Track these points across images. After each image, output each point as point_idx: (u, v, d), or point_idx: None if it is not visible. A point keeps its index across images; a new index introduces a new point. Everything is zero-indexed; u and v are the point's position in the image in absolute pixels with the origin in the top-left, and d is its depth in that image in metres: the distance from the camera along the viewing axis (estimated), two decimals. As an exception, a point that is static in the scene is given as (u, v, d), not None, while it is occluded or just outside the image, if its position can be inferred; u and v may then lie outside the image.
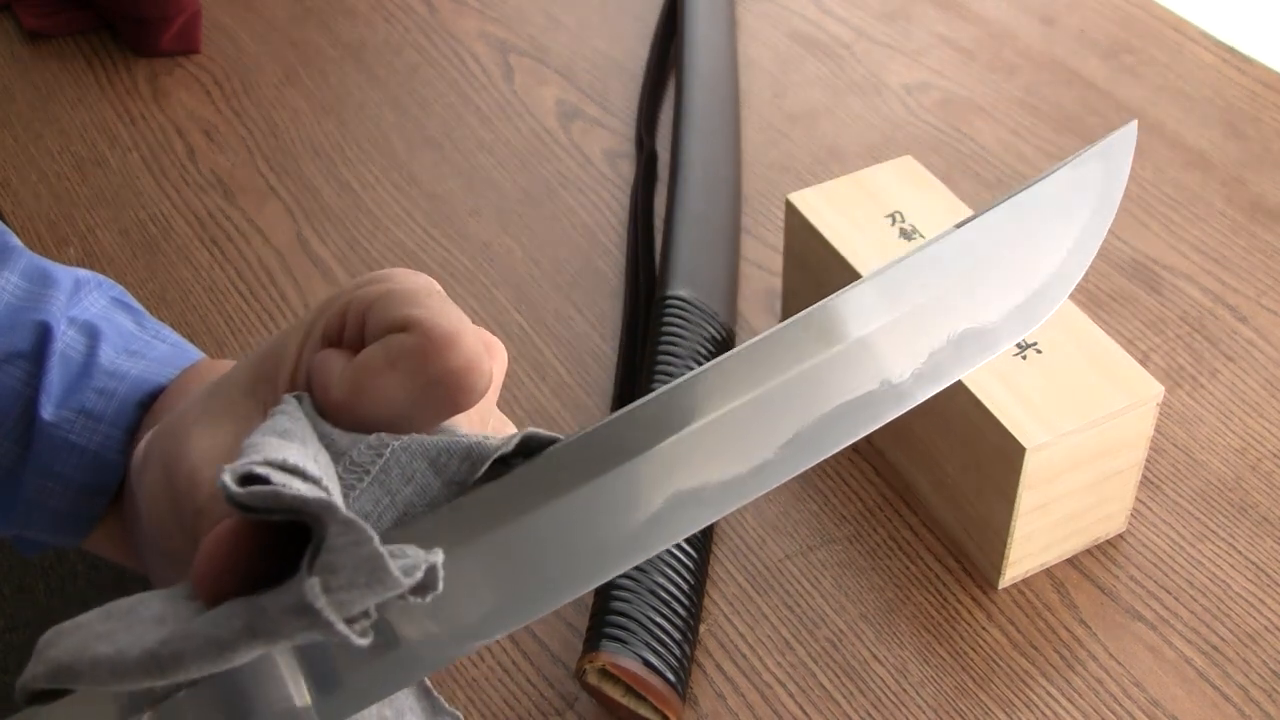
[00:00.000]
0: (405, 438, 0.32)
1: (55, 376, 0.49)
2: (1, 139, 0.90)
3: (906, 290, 0.33)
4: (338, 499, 0.30)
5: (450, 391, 0.33)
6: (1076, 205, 0.36)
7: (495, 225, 0.82)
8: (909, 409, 0.33)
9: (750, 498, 0.31)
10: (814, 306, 0.33)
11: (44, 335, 0.50)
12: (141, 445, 0.39)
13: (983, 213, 0.35)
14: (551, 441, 0.32)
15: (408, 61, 0.96)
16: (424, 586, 0.29)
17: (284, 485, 0.28)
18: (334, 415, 0.33)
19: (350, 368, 0.33)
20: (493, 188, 0.85)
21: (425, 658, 0.30)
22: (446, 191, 0.85)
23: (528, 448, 0.32)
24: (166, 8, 0.94)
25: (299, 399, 0.33)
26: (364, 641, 0.28)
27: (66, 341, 0.50)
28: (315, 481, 0.30)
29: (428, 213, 0.83)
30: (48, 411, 0.49)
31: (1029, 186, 0.35)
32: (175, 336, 0.53)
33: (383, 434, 0.33)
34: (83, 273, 0.54)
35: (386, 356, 0.33)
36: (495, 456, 0.32)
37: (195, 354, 0.52)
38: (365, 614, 0.29)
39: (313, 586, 0.27)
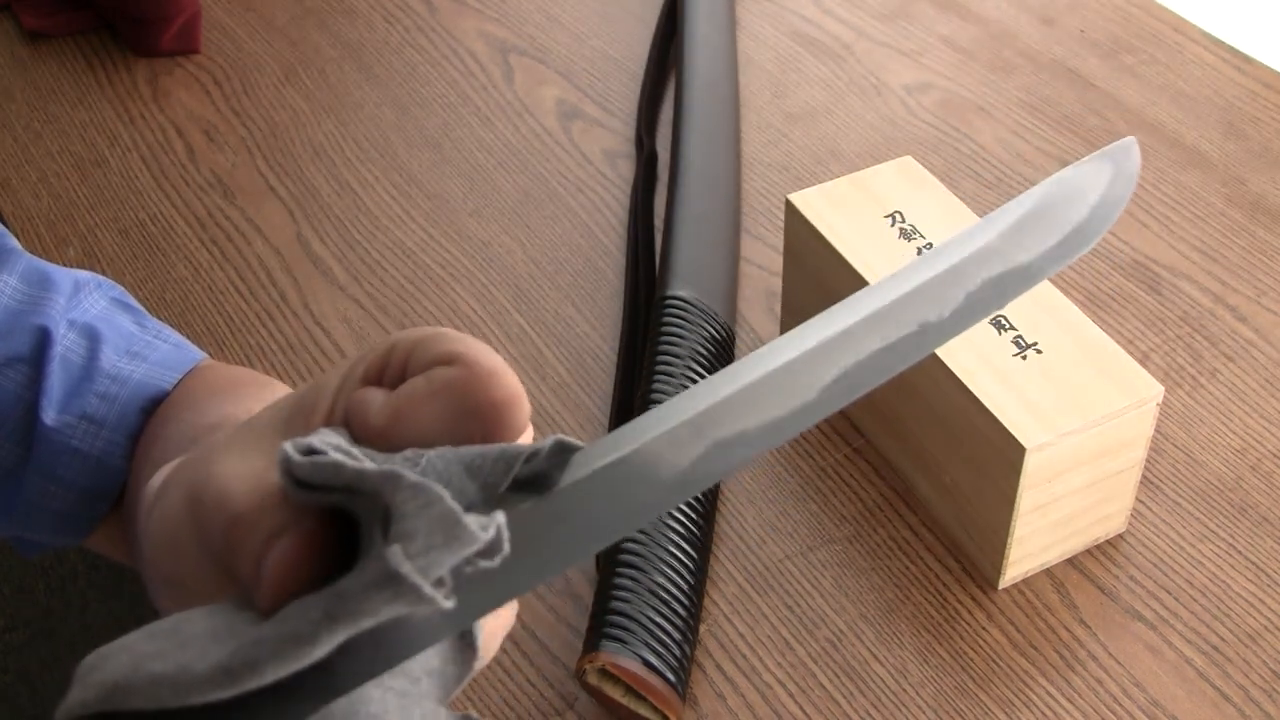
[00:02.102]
0: (439, 448, 0.33)
1: (56, 381, 0.49)
2: (1, 139, 0.90)
3: (941, 256, 0.35)
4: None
5: (489, 424, 0.33)
6: (1095, 179, 0.38)
7: (495, 225, 0.82)
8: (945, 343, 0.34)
9: (789, 438, 0.32)
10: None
11: (43, 339, 0.50)
12: (159, 477, 0.38)
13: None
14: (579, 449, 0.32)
15: (407, 61, 0.96)
16: (492, 547, 0.29)
17: (344, 459, 0.28)
18: (371, 443, 0.34)
19: (392, 396, 0.34)
20: (493, 188, 0.85)
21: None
22: (446, 191, 0.85)
23: (559, 451, 0.32)
24: (166, 8, 0.94)
25: (335, 429, 0.34)
26: (449, 604, 0.28)
27: (67, 345, 0.50)
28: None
29: (428, 213, 0.83)
30: (49, 416, 0.49)
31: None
32: (176, 336, 0.53)
33: (415, 448, 0.33)
34: (82, 274, 0.54)
35: (429, 386, 0.33)
36: (527, 454, 0.32)
37: (197, 354, 0.52)
38: (441, 580, 0.29)
39: (395, 554, 0.27)
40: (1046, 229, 0.36)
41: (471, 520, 0.28)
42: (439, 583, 0.29)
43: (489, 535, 0.29)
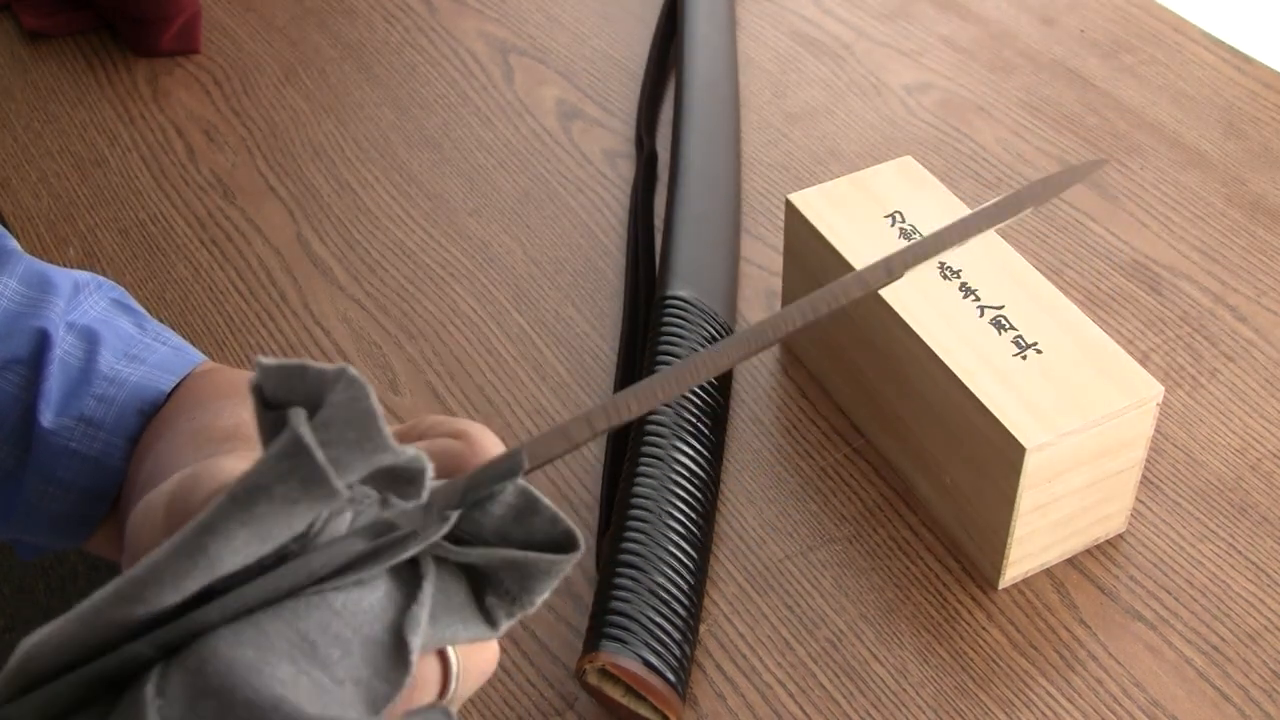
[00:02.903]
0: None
1: (54, 383, 0.49)
2: (1, 139, 0.90)
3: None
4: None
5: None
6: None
7: (495, 225, 0.82)
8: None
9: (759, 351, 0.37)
10: None
11: (42, 342, 0.50)
12: (162, 496, 0.38)
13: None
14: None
15: (407, 61, 0.96)
16: (414, 480, 0.30)
17: (310, 362, 0.29)
18: None
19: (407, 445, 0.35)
20: (493, 188, 0.85)
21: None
22: (446, 191, 0.85)
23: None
24: (166, 8, 0.94)
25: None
26: (345, 492, 0.28)
27: (65, 348, 0.50)
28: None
29: (428, 213, 0.83)
30: (47, 419, 0.49)
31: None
32: (176, 339, 0.53)
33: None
34: (82, 275, 0.54)
35: (430, 451, 0.36)
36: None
37: (196, 356, 0.52)
38: (367, 495, 0.30)
39: (298, 415, 0.28)
40: None
41: (390, 431, 0.29)
42: (362, 497, 0.30)
43: (405, 455, 0.29)
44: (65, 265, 0.80)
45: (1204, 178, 0.83)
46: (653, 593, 0.57)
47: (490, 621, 0.35)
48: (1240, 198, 0.82)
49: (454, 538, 0.34)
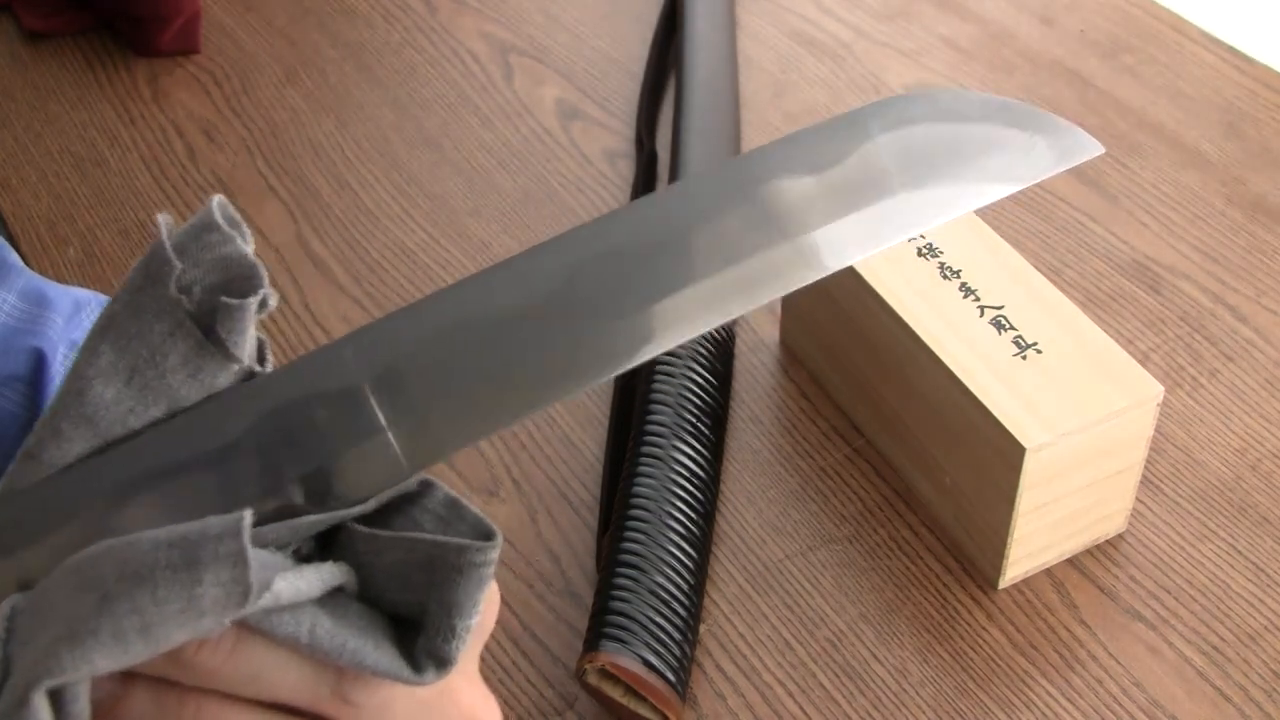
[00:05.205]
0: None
1: None
2: (1, 139, 0.90)
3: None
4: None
5: None
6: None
7: (495, 225, 0.82)
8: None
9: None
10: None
11: (40, 361, 0.50)
12: None
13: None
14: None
15: (407, 61, 0.96)
16: (250, 275, 0.34)
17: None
18: None
19: None
20: (493, 188, 0.85)
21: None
22: (446, 191, 0.85)
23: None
24: (166, 8, 0.94)
25: None
26: (178, 269, 0.33)
27: (67, 366, 0.50)
28: None
29: (428, 213, 0.83)
30: None
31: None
32: None
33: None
34: (83, 293, 0.54)
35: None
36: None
37: None
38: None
39: (164, 231, 0.33)
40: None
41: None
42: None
43: (240, 243, 0.34)
44: (65, 265, 0.80)
45: (1204, 178, 0.83)
46: (653, 593, 0.57)
47: (413, 661, 0.32)
48: (1240, 198, 0.82)
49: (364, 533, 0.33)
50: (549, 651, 0.60)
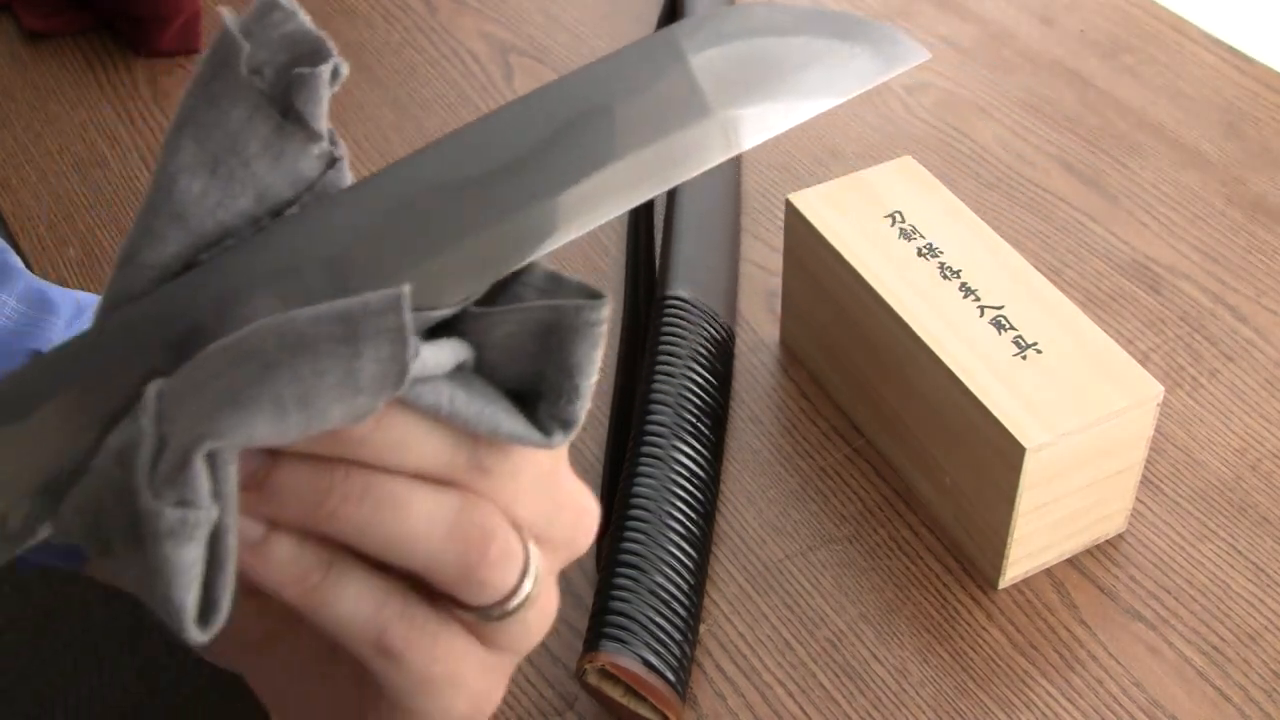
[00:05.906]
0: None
1: None
2: (1, 139, 0.90)
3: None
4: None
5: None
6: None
7: (495, 225, 0.82)
8: None
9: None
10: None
11: None
12: None
13: None
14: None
15: (407, 61, 0.96)
16: (317, 50, 0.33)
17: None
18: None
19: None
20: (493, 188, 0.85)
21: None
22: (446, 191, 0.85)
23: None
24: (166, 8, 0.94)
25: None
26: (246, 48, 0.31)
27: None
28: None
29: (428, 213, 0.83)
30: None
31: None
32: None
33: None
34: (85, 296, 0.54)
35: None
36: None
37: None
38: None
39: (231, 20, 0.31)
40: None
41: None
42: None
43: (306, 24, 0.33)
44: (65, 265, 0.80)
45: (1204, 178, 0.83)
46: (653, 593, 0.57)
47: (541, 427, 0.33)
48: (1240, 198, 0.82)
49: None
50: (549, 651, 0.60)
